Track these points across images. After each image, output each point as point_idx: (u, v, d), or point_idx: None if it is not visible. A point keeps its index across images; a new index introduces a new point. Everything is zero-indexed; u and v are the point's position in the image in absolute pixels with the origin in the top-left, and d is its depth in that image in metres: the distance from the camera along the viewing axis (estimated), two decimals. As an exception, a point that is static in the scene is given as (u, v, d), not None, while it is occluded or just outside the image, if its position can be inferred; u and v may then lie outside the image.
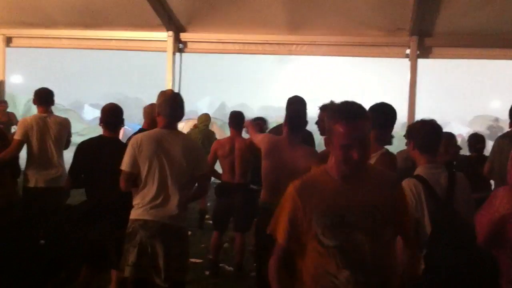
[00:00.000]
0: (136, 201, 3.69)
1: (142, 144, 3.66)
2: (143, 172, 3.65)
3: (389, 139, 3.71)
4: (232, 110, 6.23)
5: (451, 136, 5.79)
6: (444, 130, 3.53)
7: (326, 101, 4.46)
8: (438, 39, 7.38)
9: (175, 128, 3.82)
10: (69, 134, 5.44)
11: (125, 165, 3.67)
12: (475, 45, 7.49)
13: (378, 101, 3.84)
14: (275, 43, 7.87)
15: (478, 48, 7.55)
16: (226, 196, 5.79)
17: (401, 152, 5.73)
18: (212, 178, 6.13)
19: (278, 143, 4.34)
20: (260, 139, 4.53)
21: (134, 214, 3.68)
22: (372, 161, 3.41)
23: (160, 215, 3.62)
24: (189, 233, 7.23)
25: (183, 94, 8.02)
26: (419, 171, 3.29)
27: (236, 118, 5.95)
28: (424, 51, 7.45)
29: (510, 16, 6.82)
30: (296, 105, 4.85)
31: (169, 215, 3.62)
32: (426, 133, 3.33)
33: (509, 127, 5.31)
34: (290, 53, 8.07)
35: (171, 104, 3.73)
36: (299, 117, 4.38)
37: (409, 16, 6.95)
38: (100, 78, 50.15)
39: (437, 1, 6.70)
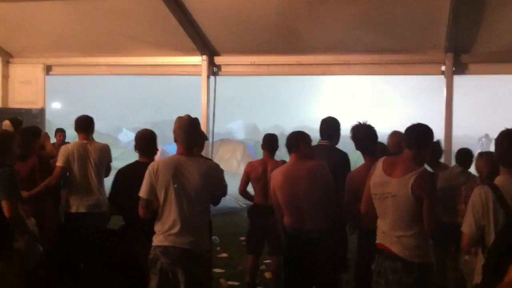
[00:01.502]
0: (156, 228, 3.72)
1: (159, 171, 3.69)
2: (161, 199, 3.68)
3: (426, 158, 3.74)
4: (265, 131, 6.25)
5: None
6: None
7: (361, 120, 4.54)
8: (473, 55, 7.30)
9: (192, 153, 3.82)
10: (109, 160, 5.53)
11: (142, 192, 3.70)
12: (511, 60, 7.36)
13: (414, 118, 3.92)
14: (309, 64, 7.89)
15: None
16: (259, 218, 5.78)
17: (452, 168, 5.65)
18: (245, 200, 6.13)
19: (288, 169, 4.38)
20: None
21: (155, 241, 3.71)
22: (411, 180, 3.43)
23: (180, 241, 3.62)
24: (226, 255, 7.35)
25: (217, 116, 8.24)
26: (496, 180, 3.26)
27: (269, 141, 5.95)
28: (460, 68, 7.37)
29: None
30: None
31: (189, 241, 3.63)
32: (507, 145, 3.26)
33: None
34: (324, 73, 8.11)
35: (186, 131, 3.75)
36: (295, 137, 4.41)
37: (444, 33, 6.90)
38: (138, 102, 51.02)
39: (472, 18, 6.63)
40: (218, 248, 7.60)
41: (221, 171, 3.94)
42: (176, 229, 3.64)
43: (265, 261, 6.58)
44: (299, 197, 4.24)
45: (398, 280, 3.48)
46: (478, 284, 3.17)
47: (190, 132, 3.78)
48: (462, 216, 4.16)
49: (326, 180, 4.25)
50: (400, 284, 3.47)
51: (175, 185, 3.64)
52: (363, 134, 4.48)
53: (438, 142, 6.00)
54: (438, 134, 7.26)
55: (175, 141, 3.81)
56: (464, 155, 5.78)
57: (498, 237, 3.06)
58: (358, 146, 4.48)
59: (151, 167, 3.75)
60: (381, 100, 48.94)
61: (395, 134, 5.33)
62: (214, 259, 6.72)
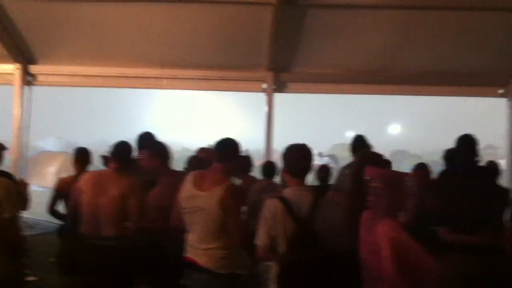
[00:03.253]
0: None
1: None
2: None
3: (234, 171, 3.88)
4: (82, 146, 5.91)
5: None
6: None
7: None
8: (293, 74, 7.70)
9: None
10: None
11: None
12: (329, 81, 7.90)
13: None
14: (133, 77, 7.66)
15: (332, 83, 7.97)
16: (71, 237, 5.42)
17: (261, 181, 5.92)
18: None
19: (100, 175, 4.49)
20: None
21: None
22: (219, 193, 3.48)
23: None
24: (35, 278, 6.78)
25: (33, 130, 7.62)
26: (285, 191, 3.46)
27: (81, 154, 5.64)
28: (280, 86, 7.70)
29: (360, 53, 7.36)
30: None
31: None
32: (296, 158, 3.49)
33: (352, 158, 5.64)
34: (149, 86, 7.94)
35: None
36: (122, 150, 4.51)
37: (266, 52, 7.19)
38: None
39: (292, 39, 7.01)
40: (27, 271, 7.00)
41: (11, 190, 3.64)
42: None
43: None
44: (101, 204, 4.18)
45: None
46: None
47: None
48: None
49: (135, 193, 4.22)
50: None
51: None
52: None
53: (248, 156, 6.31)
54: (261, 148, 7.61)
55: None
56: (269, 167, 6.14)
57: (289, 247, 3.23)
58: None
59: None
60: (212, 115, 50.06)
61: (202, 151, 5.57)
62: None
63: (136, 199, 4.25)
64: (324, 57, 7.47)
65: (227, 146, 3.76)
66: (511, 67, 7.58)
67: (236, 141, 3.79)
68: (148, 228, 4.34)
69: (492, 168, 6.30)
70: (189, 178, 3.72)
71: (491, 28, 6.85)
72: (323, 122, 49.39)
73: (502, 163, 8.16)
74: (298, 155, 3.48)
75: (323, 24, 6.85)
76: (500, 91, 7.84)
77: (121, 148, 4.47)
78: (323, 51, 7.35)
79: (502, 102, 7.91)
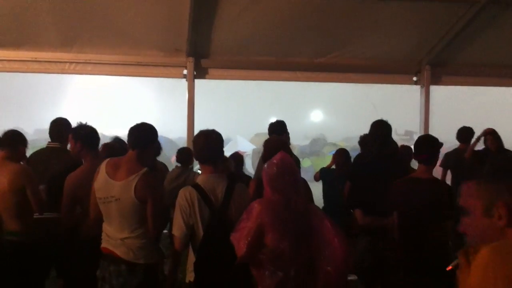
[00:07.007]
0: None
1: None
2: None
3: (150, 159, 3.76)
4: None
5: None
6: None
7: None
8: (213, 60, 7.64)
9: None
10: None
11: None
12: (250, 67, 7.93)
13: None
14: (45, 61, 7.27)
15: (252, 70, 8.01)
16: None
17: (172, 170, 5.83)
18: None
19: None
20: None
21: None
22: (134, 181, 3.38)
23: None
24: None
25: None
26: (199, 179, 3.39)
27: None
28: (201, 72, 7.66)
29: (282, 40, 7.42)
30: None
31: None
32: (202, 144, 3.42)
33: None
34: (63, 71, 7.53)
35: None
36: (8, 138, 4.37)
37: (185, 37, 7.07)
38: None
39: (210, 24, 6.94)
40: None
41: None
42: None
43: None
44: None
45: (122, 284, 3.41)
46: (192, 282, 3.26)
47: None
48: None
49: (28, 181, 4.11)
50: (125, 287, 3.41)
51: None
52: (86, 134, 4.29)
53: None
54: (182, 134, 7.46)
55: None
56: (185, 154, 6.08)
57: (205, 234, 3.20)
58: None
59: None
60: (129, 101, 48.73)
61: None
62: None
63: (31, 187, 4.11)
64: (245, 43, 7.46)
65: (142, 132, 3.60)
66: (423, 56, 7.94)
67: (152, 126, 3.65)
68: (58, 218, 4.17)
69: (404, 153, 6.60)
70: (103, 167, 3.58)
71: (404, 19, 7.11)
72: (246, 109, 49.51)
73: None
74: (204, 142, 3.42)
75: (239, 10, 6.79)
76: (414, 78, 8.22)
77: (8, 136, 4.36)
78: (245, 36, 7.32)
79: (416, 89, 8.27)
